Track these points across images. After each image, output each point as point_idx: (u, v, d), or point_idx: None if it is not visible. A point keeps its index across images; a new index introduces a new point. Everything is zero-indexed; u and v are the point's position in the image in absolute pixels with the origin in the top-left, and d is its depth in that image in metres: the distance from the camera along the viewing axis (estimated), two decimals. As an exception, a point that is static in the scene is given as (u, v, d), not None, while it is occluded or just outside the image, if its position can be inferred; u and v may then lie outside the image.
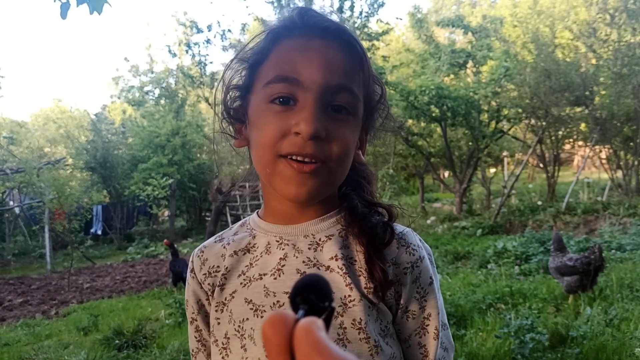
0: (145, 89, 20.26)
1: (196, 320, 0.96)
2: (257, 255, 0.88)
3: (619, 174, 12.92)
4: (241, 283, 0.87)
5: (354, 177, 0.92)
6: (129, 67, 20.67)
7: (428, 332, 0.86)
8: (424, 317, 0.85)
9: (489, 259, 7.69)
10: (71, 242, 11.32)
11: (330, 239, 0.85)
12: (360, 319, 0.80)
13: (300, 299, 0.39)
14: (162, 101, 19.18)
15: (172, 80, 19.54)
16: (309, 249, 0.85)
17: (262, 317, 0.84)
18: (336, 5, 13.34)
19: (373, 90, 0.87)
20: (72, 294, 8.40)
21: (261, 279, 0.86)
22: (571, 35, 13.45)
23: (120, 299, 7.75)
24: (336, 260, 0.83)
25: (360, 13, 13.60)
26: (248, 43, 0.87)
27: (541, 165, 14.89)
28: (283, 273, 0.84)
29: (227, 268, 0.90)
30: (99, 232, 16.11)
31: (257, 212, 0.94)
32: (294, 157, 0.77)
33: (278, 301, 0.83)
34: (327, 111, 0.78)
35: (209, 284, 0.91)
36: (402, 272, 0.84)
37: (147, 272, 10.10)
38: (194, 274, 0.94)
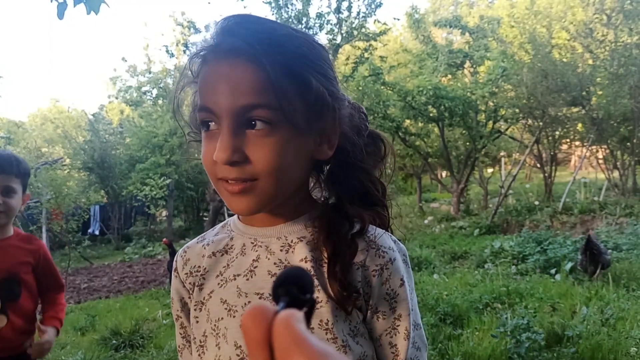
0: (143, 89, 20.24)
1: (181, 317, 0.99)
2: (233, 257, 0.91)
3: (616, 174, 12.95)
4: (218, 283, 0.90)
5: (331, 173, 0.93)
6: (126, 67, 20.62)
7: (399, 332, 0.87)
8: (395, 317, 0.87)
9: (486, 259, 7.71)
10: (69, 242, 11.31)
11: (301, 240, 0.87)
12: (327, 320, 0.82)
13: (282, 291, 0.39)
14: (160, 101, 19.16)
15: (169, 81, 19.52)
16: (281, 250, 0.87)
17: (234, 316, 0.87)
18: (334, 5, 13.37)
19: (307, 89, 0.81)
20: (70, 294, 8.39)
21: (235, 279, 0.88)
22: (568, 36, 13.47)
23: (118, 299, 7.75)
24: (306, 262, 0.85)
25: (358, 13, 13.62)
26: (185, 65, 0.87)
27: (538, 165, 14.92)
28: (255, 274, 0.87)
29: (205, 268, 0.93)
30: (97, 232, 16.09)
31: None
32: (224, 185, 0.81)
33: (249, 301, 0.86)
34: (243, 132, 0.78)
35: (190, 283, 0.94)
36: (371, 275, 0.85)
37: (144, 272, 10.10)
38: (177, 273, 0.97)
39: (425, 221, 13.01)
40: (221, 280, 0.90)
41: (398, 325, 0.87)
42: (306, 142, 0.83)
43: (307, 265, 0.85)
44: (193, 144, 0.94)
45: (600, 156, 13.61)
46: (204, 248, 0.95)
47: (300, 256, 0.86)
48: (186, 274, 0.95)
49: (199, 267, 0.94)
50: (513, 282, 6.05)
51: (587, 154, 13.73)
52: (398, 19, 17.39)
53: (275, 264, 0.87)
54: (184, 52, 15.00)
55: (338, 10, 13.34)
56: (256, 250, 0.89)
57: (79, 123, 19.87)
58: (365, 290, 0.85)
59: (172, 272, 0.99)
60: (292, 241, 0.88)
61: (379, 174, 0.96)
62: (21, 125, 24.90)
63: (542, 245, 7.49)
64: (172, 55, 16.76)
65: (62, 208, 10.82)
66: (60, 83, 67.81)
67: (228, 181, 0.80)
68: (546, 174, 13.87)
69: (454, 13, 25.42)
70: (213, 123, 0.80)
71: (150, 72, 20.33)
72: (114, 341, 5.20)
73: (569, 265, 6.38)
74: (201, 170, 17.01)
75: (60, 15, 3.22)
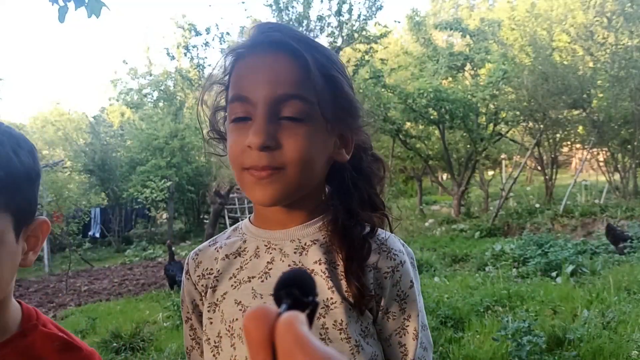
0: (144, 91, 20.27)
1: (191, 319, 1.01)
2: (247, 259, 0.93)
3: (617, 176, 12.95)
4: (232, 285, 0.92)
5: (342, 180, 0.94)
6: (127, 70, 20.67)
7: (408, 333, 0.90)
8: (404, 318, 0.89)
9: (486, 262, 7.70)
10: (69, 244, 11.32)
11: (315, 243, 0.89)
12: (341, 320, 0.85)
13: (284, 293, 0.39)
14: (161, 104, 19.20)
15: (170, 83, 19.56)
16: (295, 253, 0.90)
17: None
18: (334, 8, 13.38)
19: (338, 91, 0.88)
20: (70, 297, 8.39)
21: (250, 281, 0.91)
22: (569, 39, 13.48)
23: (118, 302, 7.74)
24: (320, 264, 0.87)
25: (359, 16, 13.62)
26: (214, 67, 0.95)
27: (539, 167, 14.92)
28: (270, 276, 0.89)
29: (219, 271, 0.95)
30: (97, 235, 16.08)
31: (249, 218, 0.99)
32: (252, 171, 0.83)
33: (265, 303, 0.87)
34: (277, 121, 0.82)
35: (202, 285, 0.97)
36: (383, 277, 0.88)
37: (145, 275, 10.09)
38: (189, 275, 1.00)
39: (426, 224, 13.00)
40: (235, 282, 0.92)
41: (407, 326, 0.90)
42: (329, 142, 0.88)
43: (321, 268, 0.87)
44: (212, 142, 1.01)
45: (601, 159, 13.61)
46: (217, 251, 0.97)
47: (314, 258, 0.88)
48: (198, 276, 0.97)
49: (212, 269, 0.96)
50: (514, 285, 6.04)
51: (588, 157, 13.73)
52: (399, 22, 17.41)
53: (289, 266, 0.88)
54: (185, 54, 15.00)
55: (339, 13, 13.35)
56: (270, 253, 0.91)
57: (80, 125, 19.90)
58: (377, 292, 0.88)
59: (184, 275, 1.01)
60: (305, 244, 0.90)
61: (379, 191, 0.99)
62: (22, 128, 24.91)
63: (543, 248, 7.49)
64: (172, 57, 16.77)
65: (62, 210, 10.82)
66: (61, 85, 67.89)
67: (255, 170, 0.83)
68: (547, 177, 13.87)
69: (455, 16, 25.44)
70: (244, 115, 0.84)
71: (151, 75, 20.37)
72: (115, 344, 5.19)
73: (570, 268, 6.37)
74: (202, 173, 17.04)
75: (62, 18, 3.23)
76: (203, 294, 0.96)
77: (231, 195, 15.41)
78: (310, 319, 0.37)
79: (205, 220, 16.30)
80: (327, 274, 0.86)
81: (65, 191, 10.80)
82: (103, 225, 15.98)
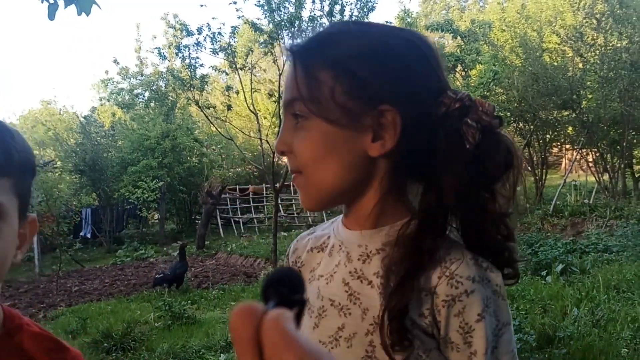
0: (135, 91, 20.19)
1: None
2: (325, 255, 0.92)
3: (606, 177, 13.03)
4: (308, 279, 0.92)
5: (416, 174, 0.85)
6: (118, 70, 20.55)
7: None
8: (470, 352, 0.78)
9: (477, 261, 7.73)
10: (60, 245, 11.24)
11: (379, 252, 0.83)
12: None
13: (272, 290, 0.39)
14: (152, 104, 19.12)
15: (162, 83, 19.49)
16: (359, 259, 0.84)
17: (310, 316, 0.88)
18: (326, 9, 13.38)
19: (356, 82, 0.80)
20: (61, 297, 8.35)
21: (319, 280, 0.90)
22: (558, 40, 13.57)
23: (109, 302, 7.71)
24: (378, 277, 0.81)
25: (351, 17, 13.63)
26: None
27: (529, 168, 14.99)
28: (333, 280, 0.87)
29: (302, 262, 0.97)
30: (88, 235, 15.99)
31: None
32: None
33: (323, 306, 0.86)
34: (295, 125, 0.83)
35: None
36: (440, 304, 0.77)
37: (136, 275, 10.06)
38: (287, 258, 1.03)
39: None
40: (311, 276, 0.92)
41: None
42: (351, 138, 0.81)
43: (379, 282, 0.80)
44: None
45: (591, 159, 13.71)
46: (309, 241, 0.98)
47: (375, 269, 0.82)
48: (292, 262, 0.99)
49: (300, 258, 0.98)
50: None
51: (578, 157, 13.83)
52: (390, 23, 17.42)
53: (350, 272, 0.84)
54: (177, 54, 14.95)
55: (331, 14, 13.34)
56: (340, 255, 0.88)
57: (71, 125, 19.73)
58: (436, 318, 0.78)
59: (286, 257, 1.05)
60: (371, 251, 0.83)
61: (506, 198, 0.82)
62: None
63: (533, 247, 7.54)
64: (164, 57, 16.70)
65: (53, 211, 10.77)
66: (52, 85, 67.52)
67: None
68: (537, 177, 13.95)
69: (446, 17, 25.53)
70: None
71: (142, 75, 20.29)
72: (106, 344, 5.18)
73: (560, 267, 6.42)
74: (193, 173, 17.00)
75: (51, 16, 3.21)
76: None
77: (223, 196, 15.39)
78: (298, 317, 0.37)
79: (197, 221, 16.24)
80: (381, 290, 0.79)
81: (56, 191, 10.76)
82: (94, 225, 15.89)
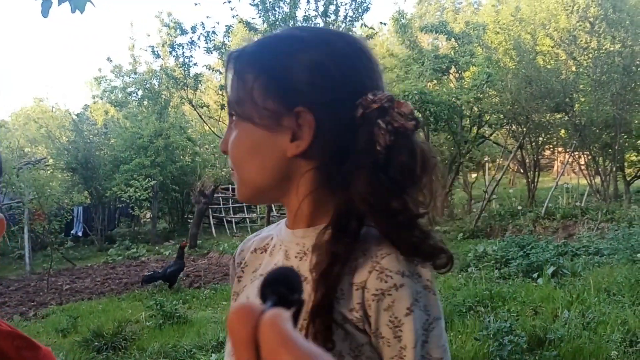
0: (128, 89, 20.07)
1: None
2: (266, 255, 0.94)
3: (598, 180, 13.10)
4: (250, 279, 0.95)
5: (333, 179, 0.83)
6: (111, 68, 20.43)
7: None
8: (401, 347, 0.78)
9: (469, 263, 7.75)
10: (51, 243, 11.19)
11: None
12: None
13: (270, 290, 0.39)
14: (145, 102, 19.01)
15: (155, 82, 19.39)
16: (296, 257, 0.87)
17: None
18: (321, 9, 13.38)
19: (274, 83, 0.82)
20: (51, 296, 8.31)
21: (260, 279, 0.86)
22: (552, 43, 13.64)
23: (101, 301, 7.69)
24: (313, 272, 0.80)
25: (345, 17, 13.63)
26: None
27: (522, 170, 15.07)
28: None
29: (245, 262, 0.98)
30: (80, 234, 15.92)
31: None
32: None
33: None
34: (232, 125, 0.88)
35: (236, 273, 1.01)
36: (370, 298, 0.78)
37: (128, 274, 10.03)
38: (234, 261, 1.03)
39: (410, 225, 13.04)
40: (253, 277, 0.94)
41: (404, 356, 0.78)
42: (272, 138, 0.83)
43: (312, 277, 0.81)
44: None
45: (583, 162, 13.77)
46: (254, 242, 1.00)
47: (310, 266, 0.81)
48: (237, 263, 1.00)
49: (243, 260, 0.99)
50: (496, 286, 6.10)
51: (570, 160, 13.89)
52: (385, 24, 17.38)
53: None
54: (170, 53, 14.91)
55: (325, 14, 13.35)
56: (279, 253, 0.91)
57: (63, 123, 19.61)
58: (367, 313, 0.78)
59: (231, 262, 1.05)
60: (308, 249, 0.84)
61: (423, 204, 0.81)
62: (4, 125, 24.61)
63: (525, 249, 7.56)
64: (158, 56, 16.63)
65: (44, 209, 10.72)
66: (45, 82, 67.11)
67: None
68: (529, 180, 14.01)
69: (440, 18, 25.58)
70: None
71: (135, 73, 20.16)
72: (96, 343, 5.15)
73: (551, 269, 6.44)
74: (186, 172, 16.96)
75: (45, 13, 3.19)
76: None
77: (216, 195, 15.36)
78: (296, 317, 0.37)
79: (189, 220, 16.21)
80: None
81: (48, 189, 10.70)
82: (86, 223, 15.83)
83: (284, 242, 0.90)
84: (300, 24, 13.44)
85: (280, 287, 0.39)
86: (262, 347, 0.34)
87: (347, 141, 0.80)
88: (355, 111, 0.80)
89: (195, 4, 11.74)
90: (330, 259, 0.77)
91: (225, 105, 0.87)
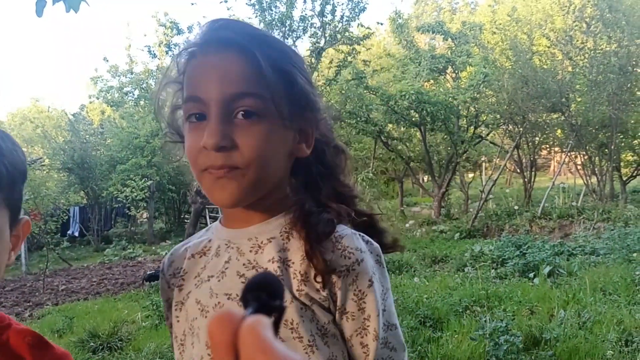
0: (125, 89, 20.05)
1: (169, 318, 1.01)
2: (209, 258, 0.93)
3: (594, 179, 13.14)
4: (195, 284, 0.92)
5: (308, 174, 0.93)
6: (108, 68, 20.40)
7: (369, 333, 0.86)
8: (364, 318, 0.85)
9: (466, 263, 7.76)
10: (47, 243, 11.16)
11: (270, 241, 0.87)
12: (292, 319, 0.83)
13: (251, 296, 0.39)
14: (142, 102, 19.00)
15: (152, 81, 19.37)
16: (250, 251, 0.88)
17: (206, 317, 0.89)
18: (317, 9, 13.39)
19: (293, 85, 0.86)
20: (47, 296, 8.29)
21: (209, 280, 0.90)
22: (548, 43, 13.67)
23: (97, 301, 7.66)
24: (273, 262, 0.85)
25: (342, 17, 13.65)
26: (169, 66, 0.92)
27: (518, 170, 15.09)
28: (226, 275, 0.88)
29: (184, 270, 0.95)
30: (76, 234, 15.90)
31: (220, 218, 0.98)
32: (210, 170, 0.82)
33: (219, 302, 0.87)
34: (232, 120, 0.81)
35: (173, 284, 0.97)
36: (337, 275, 0.84)
37: (124, 274, 10.00)
38: (164, 274, 1.00)
39: (407, 225, 13.07)
40: (197, 281, 0.92)
41: (368, 326, 0.85)
42: (287, 138, 0.86)
43: (274, 266, 0.85)
44: (171, 145, 0.98)
45: (579, 162, 13.81)
46: (186, 250, 0.97)
47: (268, 257, 0.86)
48: (170, 275, 0.98)
49: (180, 268, 0.96)
50: (492, 286, 6.10)
51: (566, 160, 13.92)
52: (381, 24, 17.43)
53: (244, 264, 0.87)
54: (167, 52, 14.90)
55: (322, 14, 13.37)
56: (228, 252, 0.90)
57: (59, 123, 19.64)
58: (332, 291, 0.84)
59: (160, 274, 1.02)
60: (262, 242, 0.88)
61: (346, 182, 0.97)
62: (0, 125, 24.51)
63: (521, 249, 7.57)
64: (154, 56, 16.64)
65: (40, 209, 10.67)
66: (41, 82, 66.98)
67: (212, 169, 0.82)
68: (526, 179, 14.03)
69: (437, 19, 25.60)
70: (200, 114, 0.83)
71: (132, 73, 20.15)
72: (92, 343, 5.14)
73: (547, 269, 6.45)
74: (182, 172, 16.87)
75: (39, 12, 3.18)
76: (173, 292, 0.97)
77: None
78: (277, 324, 0.37)
79: (186, 220, 16.19)
80: (279, 273, 0.84)
81: (44, 189, 10.67)
82: (82, 224, 15.80)
83: (233, 241, 0.90)
84: (297, 24, 13.45)
85: (261, 293, 0.39)
86: (241, 353, 0.34)
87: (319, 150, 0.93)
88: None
89: (192, 4, 11.73)
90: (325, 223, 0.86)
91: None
